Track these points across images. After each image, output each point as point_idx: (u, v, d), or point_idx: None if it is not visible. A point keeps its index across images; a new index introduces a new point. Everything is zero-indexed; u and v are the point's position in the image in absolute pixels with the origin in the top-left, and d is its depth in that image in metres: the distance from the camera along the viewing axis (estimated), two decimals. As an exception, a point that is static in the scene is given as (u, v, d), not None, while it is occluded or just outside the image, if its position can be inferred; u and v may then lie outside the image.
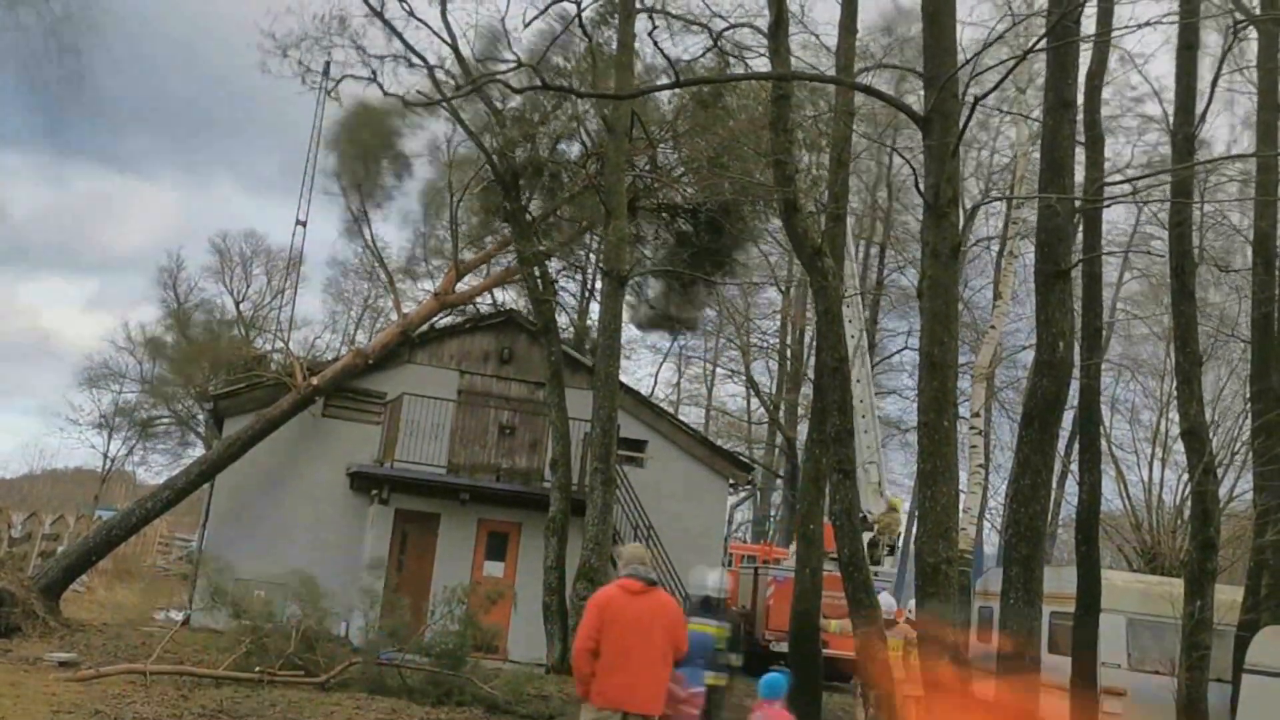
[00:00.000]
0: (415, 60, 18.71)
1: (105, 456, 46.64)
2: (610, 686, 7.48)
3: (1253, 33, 14.30)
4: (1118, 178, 18.72)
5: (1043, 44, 11.16)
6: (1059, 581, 14.56)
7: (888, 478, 25.99)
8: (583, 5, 17.22)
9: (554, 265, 23.81)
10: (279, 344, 30.05)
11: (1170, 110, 14.70)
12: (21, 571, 18.00)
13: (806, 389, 33.65)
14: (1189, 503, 14.85)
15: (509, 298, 28.99)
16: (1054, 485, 15.45)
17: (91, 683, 12.33)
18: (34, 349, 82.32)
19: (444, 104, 18.56)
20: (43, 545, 23.27)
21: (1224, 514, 13.56)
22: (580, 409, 19.03)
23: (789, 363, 38.99)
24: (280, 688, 12.98)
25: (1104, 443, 17.56)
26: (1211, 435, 13.64)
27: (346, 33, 19.07)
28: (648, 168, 22.03)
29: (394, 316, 24.29)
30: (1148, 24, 9.98)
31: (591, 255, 29.28)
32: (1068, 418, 19.14)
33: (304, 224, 23.66)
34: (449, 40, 18.42)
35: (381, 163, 22.52)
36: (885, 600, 14.35)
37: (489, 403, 21.75)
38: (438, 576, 19.36)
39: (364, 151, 21.90)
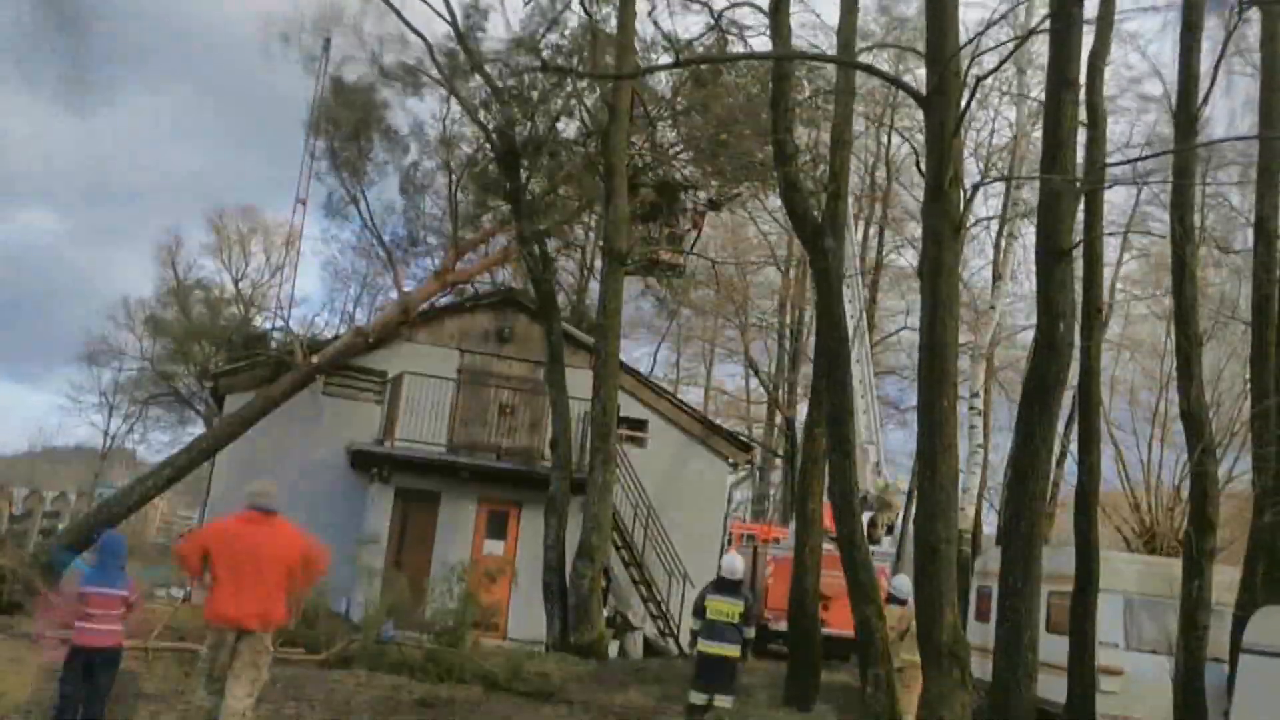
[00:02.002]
0: (413, 40, 18.68)
1: (106, 434, 46.71)
2: (222, 606, 7.92)
3: (1254, 14, 14.23)
4: (1118, 158, 18.67)
5: (1045, 24, 11.12)
6: (1057, 561, 14.59)
7: (886, 457, 25.98)
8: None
9: (552, 244, 23.78)
10: (279, 322, 30.03)
11: (1171, 90, 14.65)
12: (22, 549, 18.04)
13: (806, 369, 33.64)
14: (1188, 483, 14.88)
15: (507, 276, 29.02)
16: (1053, 465, 15.46)
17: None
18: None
19: (444, 83, 18.51)
20: (43, 523, 23.32)
21: (1222, 494, 13.58)
22: (580, 388, 19.04)
23: (788, 342, 38.97)
24: (280, 664, 13.00)
25: (1103, 423, 17.56)
26: (1211, 416, 13.64)
27: (344, 17, 19.09)
28: (647, 145, 22.00)
29: (393, 295, 24.29)
30: (1151, 6, 9.95)
31: (590, 234, 29.25)
32: (1067, 397, 19.15)
33: (304, 202, 23.61)
34: (448, 18, 18.35)
35: (374, 140, 22.50)
36: (902, 583, 14.32)
37: (489, 382, 21.78)
38: (438, 555, 19.43)
39: (355, 130, 21.86)
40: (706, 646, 12.40)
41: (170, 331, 39.52)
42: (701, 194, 23.73)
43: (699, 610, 12.58)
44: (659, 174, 22.72)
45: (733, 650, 12.37)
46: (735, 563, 13.04)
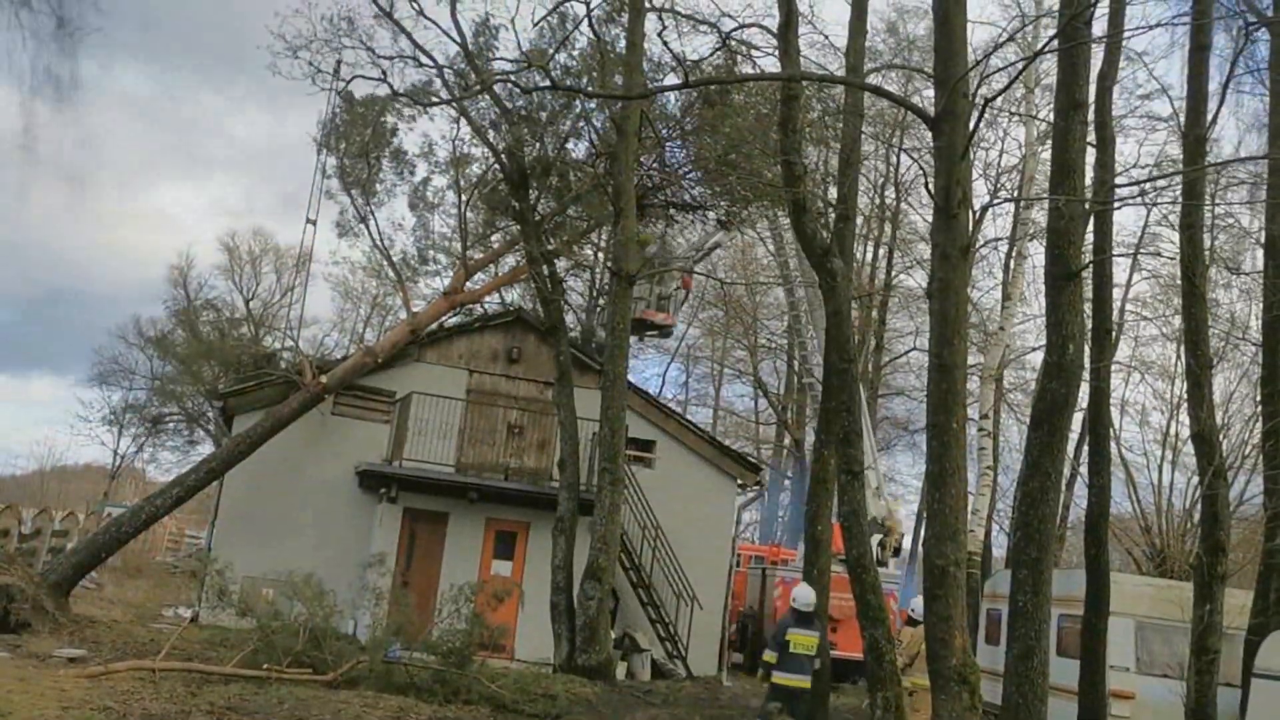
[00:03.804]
0: (424, 60, 18.78)
1: (115, 453, 46.73)
2: None
3: (1264, 34, 14.25)
4: (1127, 178, 18.66)
5: (1053, 45, 11.14)
6: (1068, 584, 14.52)
7: (893, 479, 25.92)
8: (592, 4, 17.31)
9: (561, 264, 23.84)
10: (288, 342, 30.07)
11: (1180, 109, 14.65)
12: (31, 568, 18.03)
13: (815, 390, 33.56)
14: (1199, 506, 14.81)
15: (515, 296, 29.06)
16: (1063, 487, 15.39)
17: (100, 679, 12.35)
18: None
19: (454, 103, 18.58)
20: (52, 541, 23.33)
21: (1234, 517, 13.52)
22: (589, 408, 19.03)
23: (797, 363, 38.96)
24: (288, 685, 13.00)
25: (1113, 445, 17.49)
26: (1222, 438, 13.58)
27: (355, 34, 19.19)
28: (655, 165, 22.05)
29: (402, 315, 24.28)
30: (1159, 25, 9.97)
31: (599, 254, 29.31)
32: (1077, 419, 19.09)
33: (314, 222, 23.55)
34: (458, 40, 18.44)
35: (383, 161, 22.58)
36: (921, 605, 14.30)
37: (497, 402, 21.78)
38: (445, 575, 19.36)
39: (365, 147, 21.94)
40: (787, 679, 12.91)
41: (179, 352, 39.60)
42: (711, 214, 23.76)
43: (781, 643, 12.96)
44: (668, 194, 22.78)
45: (808, 682, 13.02)
46: (810, 594, 13.47)
